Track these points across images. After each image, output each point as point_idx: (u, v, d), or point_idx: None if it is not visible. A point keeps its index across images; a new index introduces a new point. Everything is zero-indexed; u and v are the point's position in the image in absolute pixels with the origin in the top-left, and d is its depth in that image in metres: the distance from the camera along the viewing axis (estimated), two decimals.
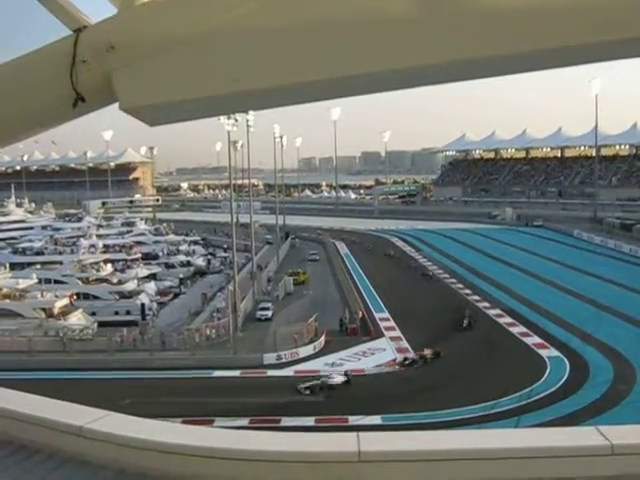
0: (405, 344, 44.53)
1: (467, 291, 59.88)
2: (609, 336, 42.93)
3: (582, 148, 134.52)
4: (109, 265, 68.25)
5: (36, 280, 59.62)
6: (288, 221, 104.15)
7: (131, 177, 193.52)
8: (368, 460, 3.62)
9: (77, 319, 53.32)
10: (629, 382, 35.73)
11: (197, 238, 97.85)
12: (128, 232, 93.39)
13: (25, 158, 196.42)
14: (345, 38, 2.24)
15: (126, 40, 2.47)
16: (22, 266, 70.20)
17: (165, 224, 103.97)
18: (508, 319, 49.58)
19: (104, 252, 73.75)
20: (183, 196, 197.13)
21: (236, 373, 40.73)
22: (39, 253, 76.91)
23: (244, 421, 31.62)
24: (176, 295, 67.42)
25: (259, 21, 2.32)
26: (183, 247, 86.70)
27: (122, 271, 68.41)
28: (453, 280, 65.28)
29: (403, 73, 2.29)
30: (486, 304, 54.55)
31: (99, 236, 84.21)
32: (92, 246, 73.92)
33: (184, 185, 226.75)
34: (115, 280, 64.70)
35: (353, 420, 31.72)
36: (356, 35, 2.23)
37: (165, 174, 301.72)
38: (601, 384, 35.44)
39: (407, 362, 40.71)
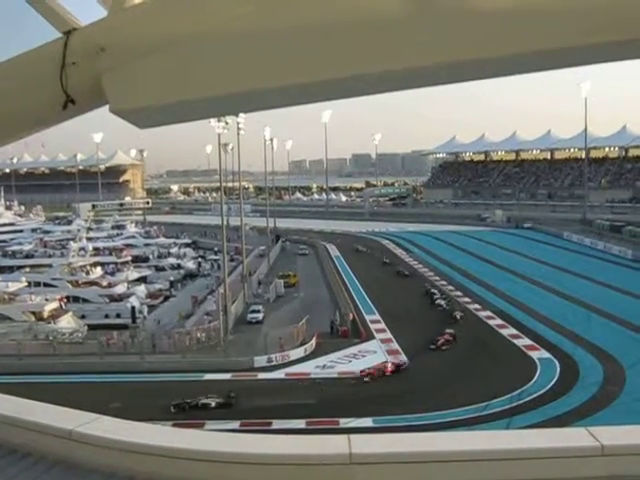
0: (396, 346, 44.59)
1: (458, 293, 59.99)
2: (599, 337, 43.12)
3: (572, 150, 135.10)
4: (99, 268, 68.04)
5: (25, 283, 59.44)
6: (279, 224, 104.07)
7: (121, 180, 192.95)
8: (359, 462, 3.62)
9: (67, 322, 53.12)
10: (619, 383, 35.89)
11: (187, 241, 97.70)
12: (118, 235, 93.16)
13: (14, 160, 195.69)
14: (338, 40, 2.24)
15: (116, 42, 2.46)
16: (11, 269, 69.94)
17: (155, 227, 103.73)
18: (498, 321, 49.71)
19: (94, 255, 73.47)
20: (173, 199, 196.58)
21: (227, 376, 40.65)
22: (28, 256, 76.53)
23: (235, 424, 31.58)
24: (166, 298, 67.18)
25: (250, 23, 2.32)
26: (173, 250, 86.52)
27: (112, 274, 68.28)
28: (444, 282, 65.36)
29: (396, 75, 2.29)
30: (477, 306, 54.68)
31: (89, 239, 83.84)
32: (82, 249, 73.60)
33: (174, 188, 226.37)
34: (105, 283, 64.51)
35: (344, 422, 31.71)
36: (349, 37, 2.23)
37: (155, 177, 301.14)
38: (591, 385, 35.59)
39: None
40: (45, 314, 53.37)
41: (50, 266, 67.61)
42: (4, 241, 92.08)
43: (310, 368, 41.55)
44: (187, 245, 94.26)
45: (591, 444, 3.59)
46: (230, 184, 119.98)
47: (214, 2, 2.40)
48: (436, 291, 60.10)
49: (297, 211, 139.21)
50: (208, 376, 40.63)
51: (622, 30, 2.02)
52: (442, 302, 54.94)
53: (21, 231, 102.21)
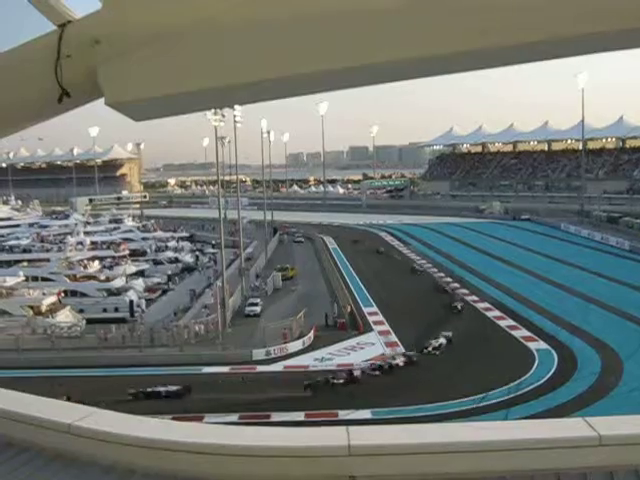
0: (394, 338, 44.65)
1: (455, 284, 60.04)
2: (596, 328, 43.24)
3: (569, 141, 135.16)
4: (97, 262, 67.97)
5: (23, 278, 59.33)
6: (276, 217, 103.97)
7: (118, 174, 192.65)
8: (358, 454, 3.63)
9: (65, 316, 53.11)
10: (617, 374, 36.01)
11: (185, 234, 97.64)
12: (115, 229, 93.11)
13: (11, 155, 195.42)
14: (334, 30, 2.23)
15: (111, 34, 2.45)
16: (9, 264, 69.84)
17: (153, 220, 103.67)
18: (496, 312, 49.80)
19: (91, 249, 73.50)
20: (170, 192, 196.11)
21: (225, 369, 40.69)
22: (26, 251, 76.50)
23: (234, 417, 31.62)
24: (164, 291, 67.21)
25: (247, 13, 2.30)
26: (171, 243, 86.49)
27: (110, 268, 68.15)
28: (441, 274, 65.44)
29: (391, 66, 2.28)
30: (474, 297, 54.76)
31: (86, 233, 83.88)
32: (79, 243, 73.63)
33: (171, 181, 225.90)
34: (103, 277, 64.45)
35: (343, 414, 31.78)
36: (346, 27, 2.22)
37: (152, 170, 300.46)
38: (589, 376, 35.70)
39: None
40: (43, 308, 53.35)
41: (48, 260, 67.57)
42: (1, 236, 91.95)
43: (309, 361, 41.64)
44: (185, 239, 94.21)
45: (589, 434, 3.60)
46: (227, 177, 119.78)
47: None
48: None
49: (294, 204, 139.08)
50: (207, 369, 40.68)
51: (618, 19, 2.02)
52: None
53: (18, 226, 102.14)
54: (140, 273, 70.36)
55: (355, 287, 61.50)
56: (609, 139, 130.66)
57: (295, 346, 44.11)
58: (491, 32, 2.10)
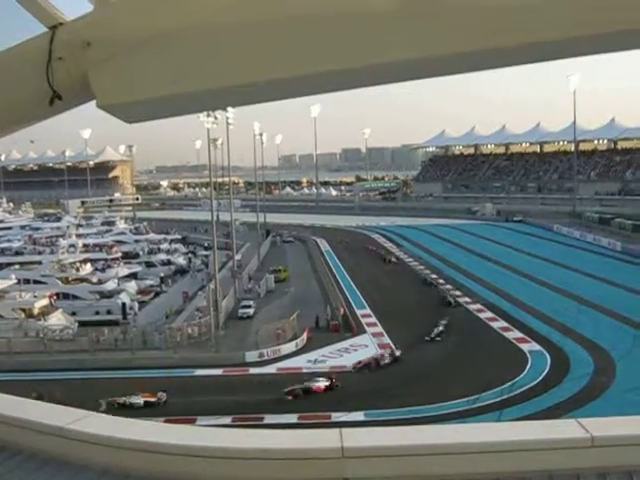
0: (387, 340, 44.65)
1: (448, 286, 60.09)
2: (589, 329, 43.35)
3: (561, 143, 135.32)
4: (89, 265, 67.71)
5: (15, 280, 59.03)
6: (269, 219, 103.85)
7: (110, 176, 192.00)
8: (351, 456, 3.63)
9: (57, 319, 52.90)
10: (609, 375, 36.10)
11: (177, 237, 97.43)
12: (108, 231, 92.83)
13: (2, 157, 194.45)
14: (330, 32, 2.22)
15: (102, 36, 2.44)
16: (0, 266, 69.55)
17: (145, 223, 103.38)
18: (489, 314, 49.85)
19: (84, 252, 73.11)
20: (163, 194, 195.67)
21: (218, 371, 40.63)
22: (18, 253, 76.23)
23: (227, 419, 31.60)
24: (157, 294, 67.07)
25: (239, 15, 2.30)
26: (163, 246, 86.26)
27: (102, 270, 67.96)
28: (434, 275, 65.50)
29: (389, 68, 2.28)
30: (467, 299, 54.81)
31: (78, 236, 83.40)
32: (72, 246, 73.26)
33: (164, 183, 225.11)
34: (95, 280, 64.26)
35: (336, 417, 31.79)
36: (342, 29, 2.21)
37: (144, 172, 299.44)
38: (582, 377, 35.77)
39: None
40: (35, 311, 53.14)
41: (40, 263, 67.30)
42: None
43: (302, 363, 41.61)
44: (177, 241, 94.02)
45: (581, 435, 3.61)
46: (220, 179, 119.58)
47: None
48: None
49: (287, 206, 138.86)
50: (199, 371, 40.62)
51: (618, 21, 2.02)
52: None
53: (10, 228, 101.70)
54: (132, 275, 70.15)
55: (348, 288, 61.43)
56: (601, 141, 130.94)
57: (288, 348, 44.08)
58: (490, 33, 2.11)
